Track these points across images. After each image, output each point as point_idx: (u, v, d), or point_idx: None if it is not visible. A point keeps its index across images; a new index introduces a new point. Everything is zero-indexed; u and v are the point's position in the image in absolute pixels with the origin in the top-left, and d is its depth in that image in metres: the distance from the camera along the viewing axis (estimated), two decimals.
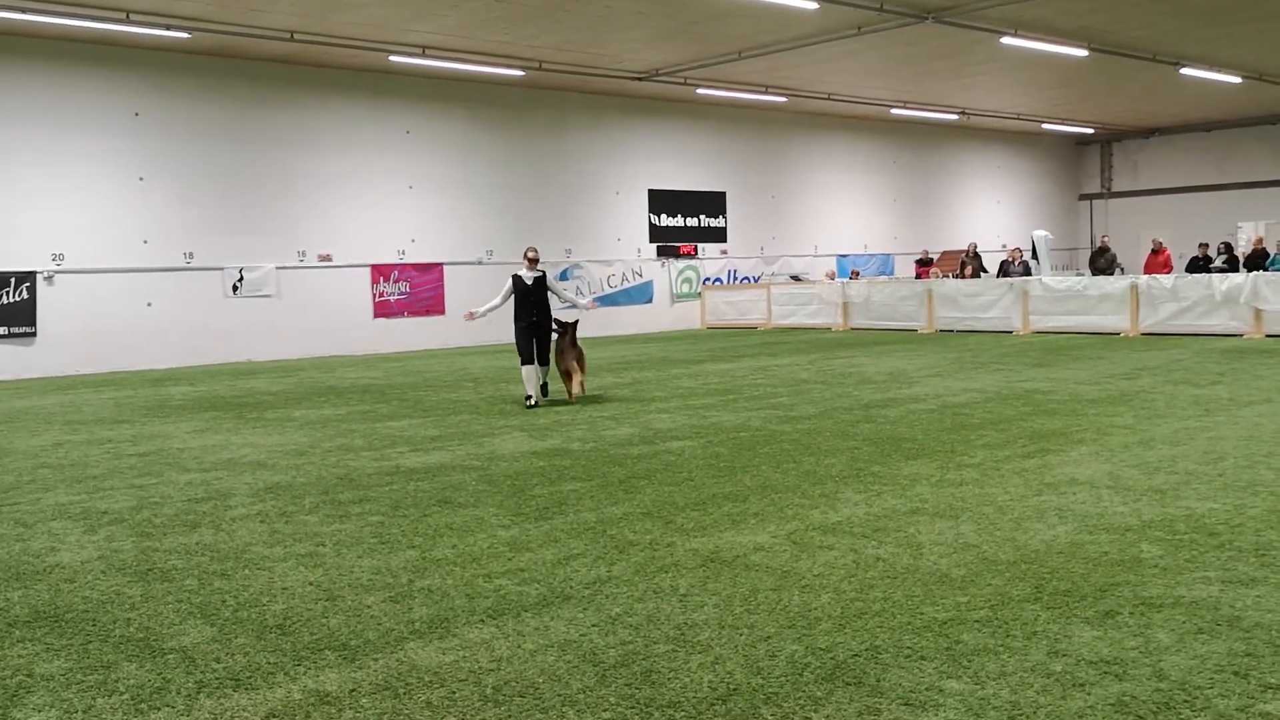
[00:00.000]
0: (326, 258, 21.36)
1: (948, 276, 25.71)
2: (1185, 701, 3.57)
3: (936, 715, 3.53)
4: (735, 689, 3.78)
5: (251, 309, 20.47)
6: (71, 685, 4.00)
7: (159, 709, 3.76)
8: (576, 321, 12.35)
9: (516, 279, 12.23)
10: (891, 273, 31.16)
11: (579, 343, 12.36)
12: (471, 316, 12.76)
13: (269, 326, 20.56)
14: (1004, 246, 29.04)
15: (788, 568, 5.25)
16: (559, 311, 12.98)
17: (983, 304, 22.13)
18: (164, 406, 13.07)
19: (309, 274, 21.16)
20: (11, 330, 18.06)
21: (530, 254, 12.34)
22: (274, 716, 3.67)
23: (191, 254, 19.81)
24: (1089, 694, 3.65)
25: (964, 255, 27.27)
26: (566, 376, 12.19)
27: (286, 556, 5.75)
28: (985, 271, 26.12)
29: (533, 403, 11.84)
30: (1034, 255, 25.73)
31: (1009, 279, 22.54)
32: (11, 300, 18.04)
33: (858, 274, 28.94)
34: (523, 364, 12.01)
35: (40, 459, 9.29)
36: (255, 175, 20.54)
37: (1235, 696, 3.60)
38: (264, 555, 5.79)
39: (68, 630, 4.64)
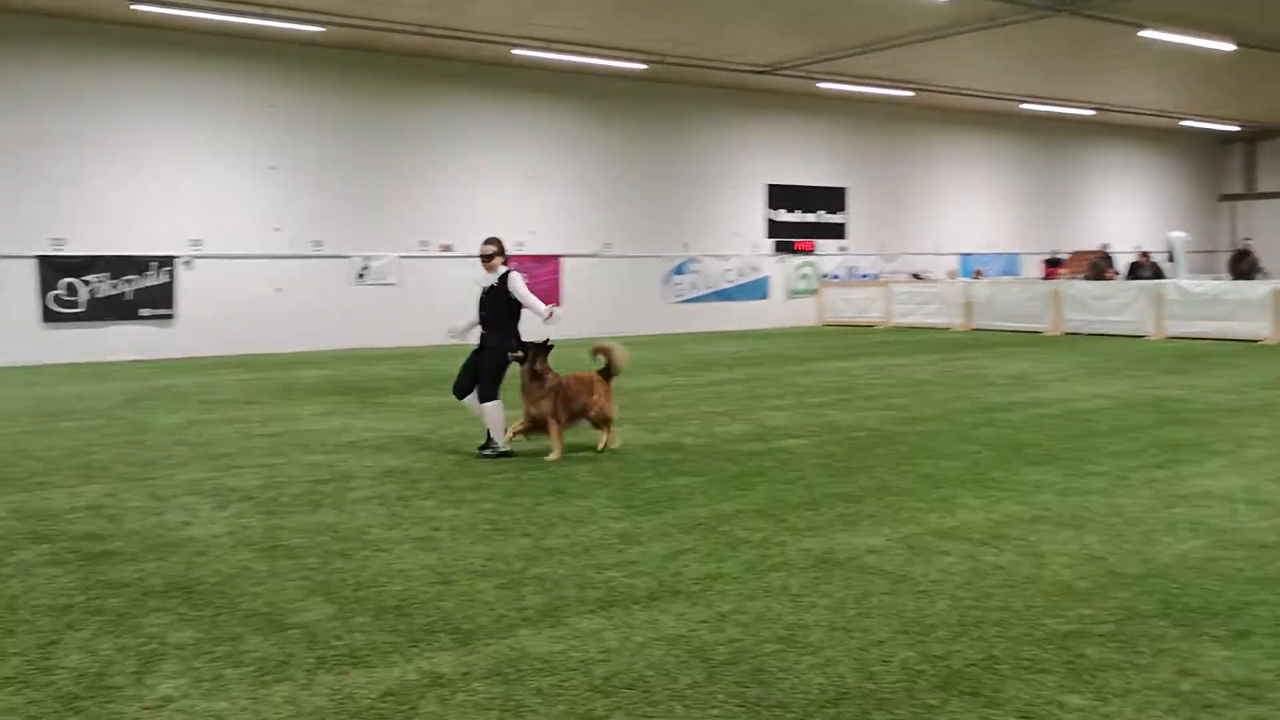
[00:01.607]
0: (448, 248, 21.77)
1: (1076, 278, 24.91)
2: None
3: None
4: (846, 693, 3.73)
5: (376, 296, 21.00)
6: (201, 655, 4.16)
7: (281, 682, 3.88)
8: (547, 343, 8.73)
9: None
10: (1017, 273, 30.34)
11: (596, 380, 8.90)
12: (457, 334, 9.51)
13: (392, 314, 21.07)
14: (1137, 248, 27.98)
15: (902, 572, 5.16)
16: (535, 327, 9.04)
17: (1113, 307, 21.37)
18: (292, 389, 13.50)
19: (431, 263, 21.61)
20: (153, 311, 18.88)
21: (483, 249, 8.97)
22: (390, 695, 3.76)
23: (320, 242, 20.42)
24: (1219, 716, 3.50)
25: (1095, 256, 26.38)
26: (532, 425, 8.53)
27: (404, 539, 5.88)
28: (1116, 274, 25.23)
29: (488, 452, 8.52)
30: (1170, 258, 24.75)
31: (1141, 282, 21.72)
32: (154, 283, 18.85)
33: (981, 273, 28.25)
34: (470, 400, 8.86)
35: (176, 436, 9.69)
36: (381, 166, 21.06)
37: None
38: (383, 537, 5.93)
39: (198, 602, 4.83)
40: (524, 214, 22.74)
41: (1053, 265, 27.82)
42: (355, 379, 14.71)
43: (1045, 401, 11.37)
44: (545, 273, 23.04)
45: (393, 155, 21.17)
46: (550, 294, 23.10)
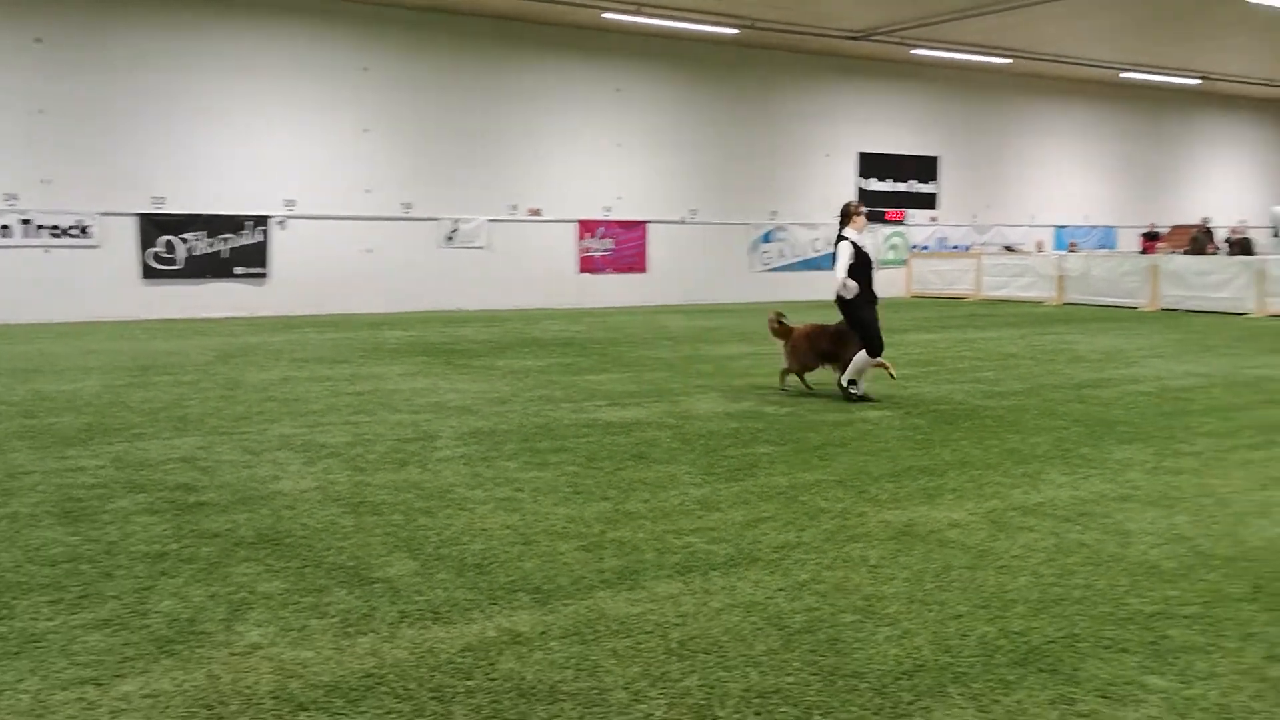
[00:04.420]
0: (536, 212, 21.92)
1: (1175, 253, 24.16)
2: None
3: (1137, 711, 3.36)
4: (922, 665, 3.71)
5: (463, 259, 21.26)
6: (288, 605, 4.30)
7: (365, 634, 3.99)
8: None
9: (856, 245, 9.46)
10: (1113, 246, 29.53)
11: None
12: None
13: (479, 277, 21.32)
14: (1239, 224, 27.02)
15: (984, 547, 5.10)
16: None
17: (1214, 283, 20.69)
18: (380, 349, 13.76)
19: (518, 227, 21.78)
20: (247, 270, 19.37)
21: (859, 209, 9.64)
22: (469, 650, 3.84)
23: (410, 204, 20.71)
24: None
25: (1197, 231, 25.54)
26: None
27: (487, 499, 5.98)
28: (1218, 249, 24.40)
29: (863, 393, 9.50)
30: (1275, 233, 23.86)
31: (1244, 258, 20.99)
32: (249, 242, 19.33)
33: (1075, 246, 27.55)
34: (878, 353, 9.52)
35: (267, 393, 9.96)
36: (471, 130, 21.24)
37: None
38: (466, 497, 6.04)
39: (286, 554, 4.98)
40: (612, 179, 22.78)
41: (1150, 239, 27.02)
42: (441, 340, 14.93)
43: (1138, 379, 11.09)
44: (632, 238, 23.07)
45: (483, 119, 21.33)
46: (637, 260, 23.14)
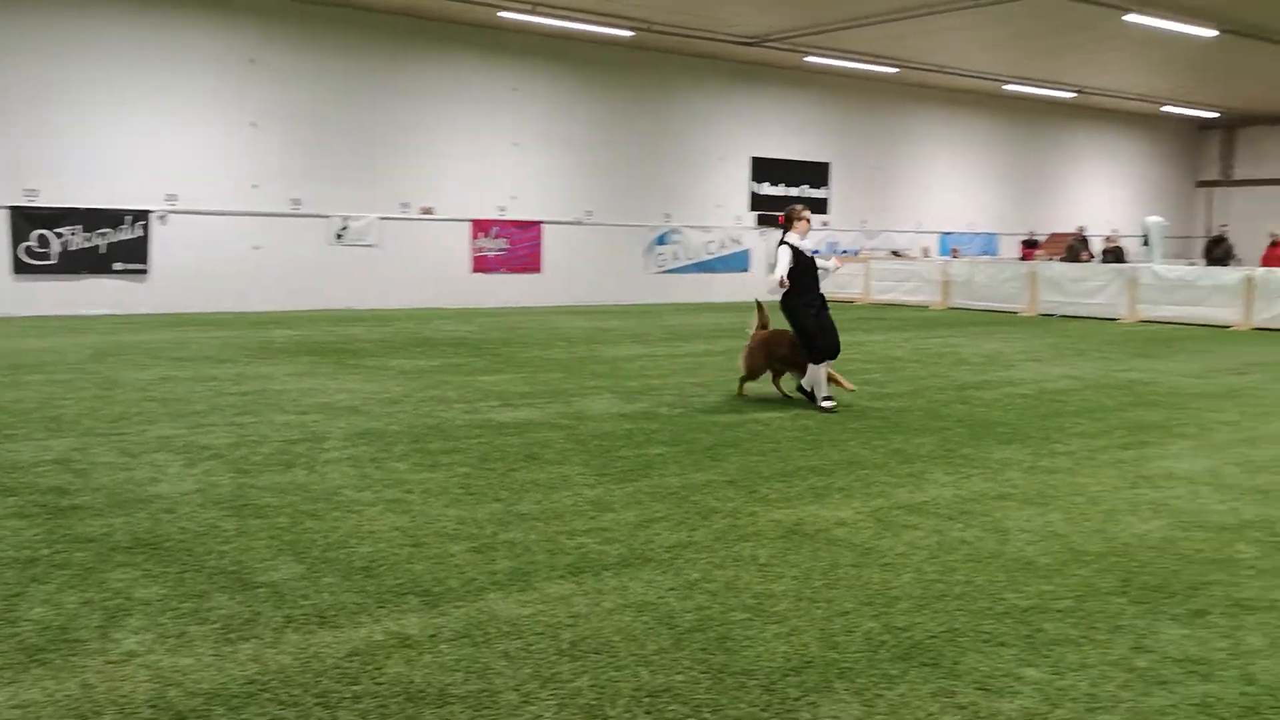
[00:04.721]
0: (428, 211, 21.67)
1: (1054, 259, 25.04)
2: (1273, 707, 3.47)
3: (1012, 702, 3.48)
4: (809, 661, 3.78)
5: (354, 257, 20.89)
6: (167, 611, 4.17)
7: (247, 640, 3.89)
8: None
9: (795, 249, 9.41)
10: (995, 253, 30.46)
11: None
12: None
13: (370, 276, 20.97)
14: (1115, 232, 28.16)
15: (870, 545, 5.21)
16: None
17: (1088, 290, 21.51)
18: (266, 348, 13.44)
19: (411, 226, 21.50)
20: (126, 266, 18.72)
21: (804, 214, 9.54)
22: (356, 655, 3.78)
23: (299, 201, 20.27)
24: (1172, 693, 3.57)
25: (1072, 239, 26.52)
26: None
27: (376, 501, 5.89)
28: (1092, 256, 25.38)
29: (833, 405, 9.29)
30: (1145, 242, 24.91)
31: (1117, 265, 21.87)
32: (128, 238, 18.68)
33: (958, 252, 28.36)
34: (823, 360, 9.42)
35: (147, 393, 9.64)
36: (363, 126, 20.88)
37: None
38: (354, 499, 5.94)
39: (165, 559, 4.83)
40: (507, 179, 22.64)
41: (1030, 246, 27.95)
42: (331, 340, 14.65)
43: (1017, 381, 11.47)
44: (526, 238, 22.97)
45: (375, 115, 20.99)
46: (532, 260, 23.05)
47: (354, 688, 3.52)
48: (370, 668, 3.67)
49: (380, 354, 13.07)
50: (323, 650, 3.81)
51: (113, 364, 11.62)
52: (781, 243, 9.49)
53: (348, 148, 20.74)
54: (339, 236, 20.77)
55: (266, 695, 3.46)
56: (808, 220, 9.56)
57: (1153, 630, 4.13)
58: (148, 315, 18.28)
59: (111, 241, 18.54)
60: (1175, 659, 3.85)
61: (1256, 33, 20.99)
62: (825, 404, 9.26)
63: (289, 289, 20.06)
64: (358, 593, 4.41)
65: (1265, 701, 3.51)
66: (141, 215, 18.78)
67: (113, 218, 18.52)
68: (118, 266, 18.63)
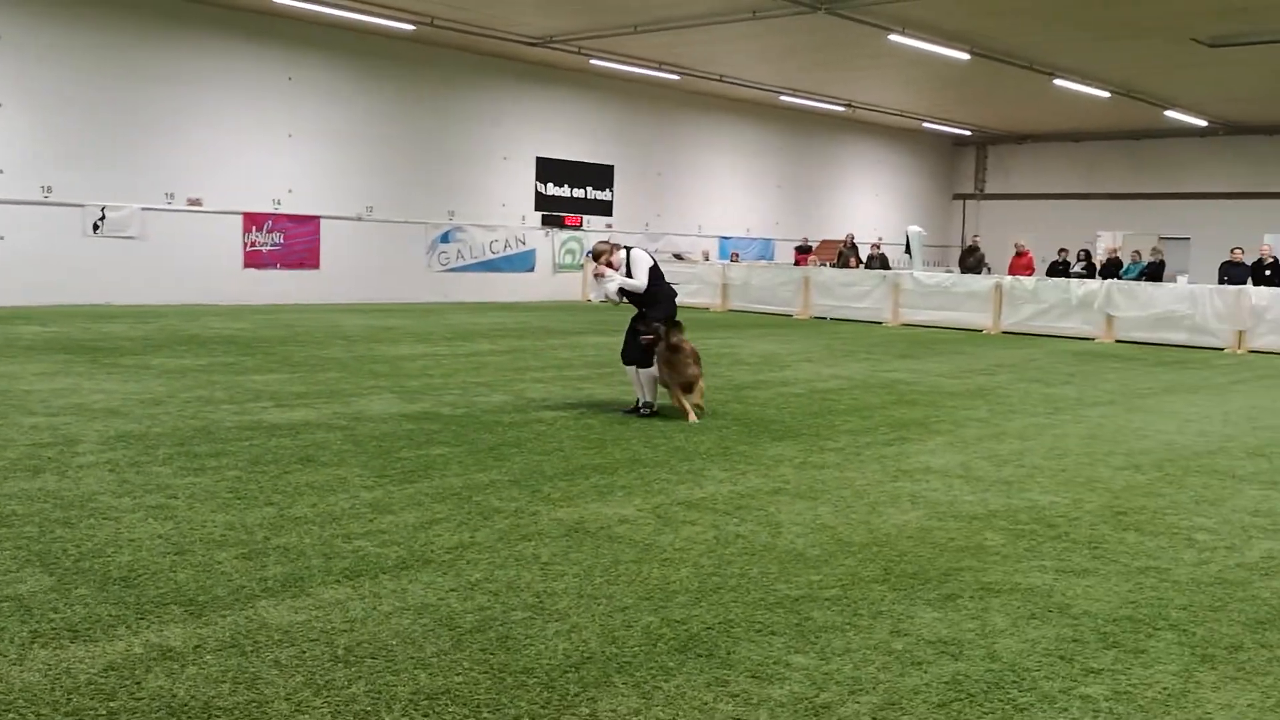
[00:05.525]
0: (196, 202, 20.61)
1: (825, 265, 26.22)
2: (1014, 682, 3.75)
3: (781, 688, 3.63)
4: (590, 657, 3.82)
5: (113, 250, 19.60)
6: None
7: None
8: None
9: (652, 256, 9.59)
10: (772, 258, 31.62)
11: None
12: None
13: (131, 270, 19.73)
14: (880, 239, 29.76)
15: (650, 541, 5.32)
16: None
17: (856, 294, 22.66)
18: (11, 346, 12.47)
19: (177, 217, 20.37)
20: None
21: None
22: (112, 669, 3.56)
23: (50, 188, 18.86)
24: (925, 672, 3.80)
25: (842, 246, 27.84)
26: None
27: (136, 508, 5.57)
28: (861, 262, 26.74)
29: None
30: (907, 250, 26.41)
31: (884, 271, 23.13)
32: None
33: (737, 257, 29.28)
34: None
35: None
36: (125, 110, 19.63)
37: (1059, 679, 3.80)
38: (111, 505, 5.60)
39: None
40: (282, 171, 21.78)
41: (803, 252, 29.14)
42: (86, 337, 13.73)
43: (790, 381, 11.94)
44: (303, 233, 22.19)
45: (136, 99, 19.77)
46: (309, 256, 22.29)
47: (110, 704, 3.32)
48: (128, 682, 3.47)
49: (142, 352, 12.35)
50: (75, 666, 3.58)
51: None
52: (631, 247, 9.55)
53: (107, 133, 19.45)
54: (96, 227, 19.46)
55: (11, 716, 3.21)
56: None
57: (909, 615, 4.39)
58: None
59: None
60: (929, 641, 4.11)
61: (1004, 57, 22.63)
62: (647, 410, 9.21)
63: (39, 282, 18.63)
64: (115, 604, 4.16)
65: (1007, 677, 3.79)
66: None
67: None
68: None
